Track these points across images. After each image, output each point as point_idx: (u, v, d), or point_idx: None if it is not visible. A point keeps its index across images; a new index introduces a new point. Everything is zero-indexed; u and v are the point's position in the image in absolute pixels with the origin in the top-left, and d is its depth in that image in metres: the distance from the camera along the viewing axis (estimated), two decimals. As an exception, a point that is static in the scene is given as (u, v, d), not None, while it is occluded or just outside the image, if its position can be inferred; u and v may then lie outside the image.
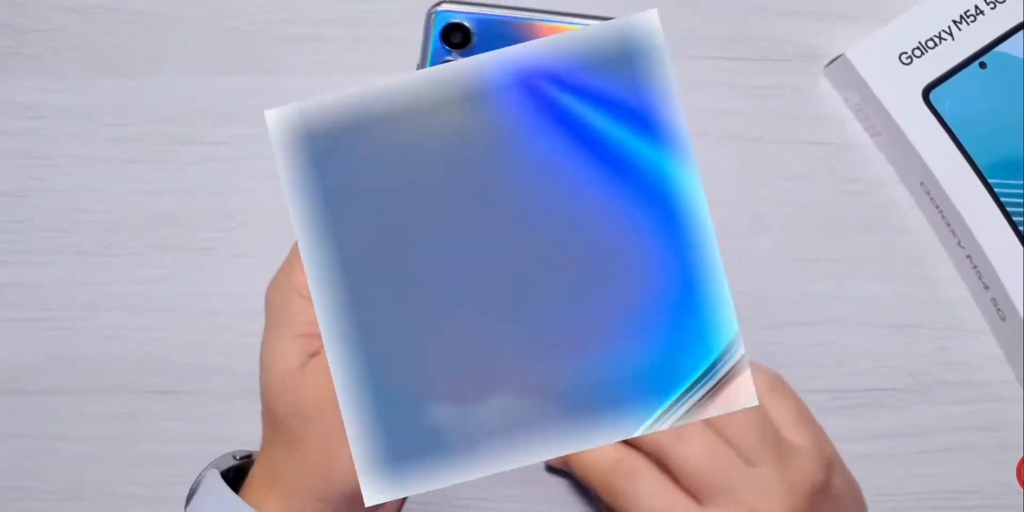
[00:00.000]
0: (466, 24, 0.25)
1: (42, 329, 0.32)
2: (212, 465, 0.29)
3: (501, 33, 0.25)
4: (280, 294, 0.27)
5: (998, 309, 0.32)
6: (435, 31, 0.25)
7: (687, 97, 0.32)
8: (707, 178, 0.32)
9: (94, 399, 0.32)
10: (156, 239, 0.32)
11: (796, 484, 0.25)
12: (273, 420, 0.27)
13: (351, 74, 0.33)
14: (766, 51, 0.33)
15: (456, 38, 0.25)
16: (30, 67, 0.33)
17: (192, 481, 0.29)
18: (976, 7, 0.32)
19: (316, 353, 0.26)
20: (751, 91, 0.33)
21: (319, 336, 0.24)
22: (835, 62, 0.33)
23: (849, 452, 0.32)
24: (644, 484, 0.24)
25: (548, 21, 0.25)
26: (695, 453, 0.24)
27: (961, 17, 0.32)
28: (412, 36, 0.33)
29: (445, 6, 0.25)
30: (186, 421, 0.31)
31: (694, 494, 0.24)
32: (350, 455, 0.23)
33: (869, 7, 0.34)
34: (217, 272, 0.32)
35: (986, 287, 0.32)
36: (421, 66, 0.26)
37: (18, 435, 0.32)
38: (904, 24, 0.32)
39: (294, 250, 0.27)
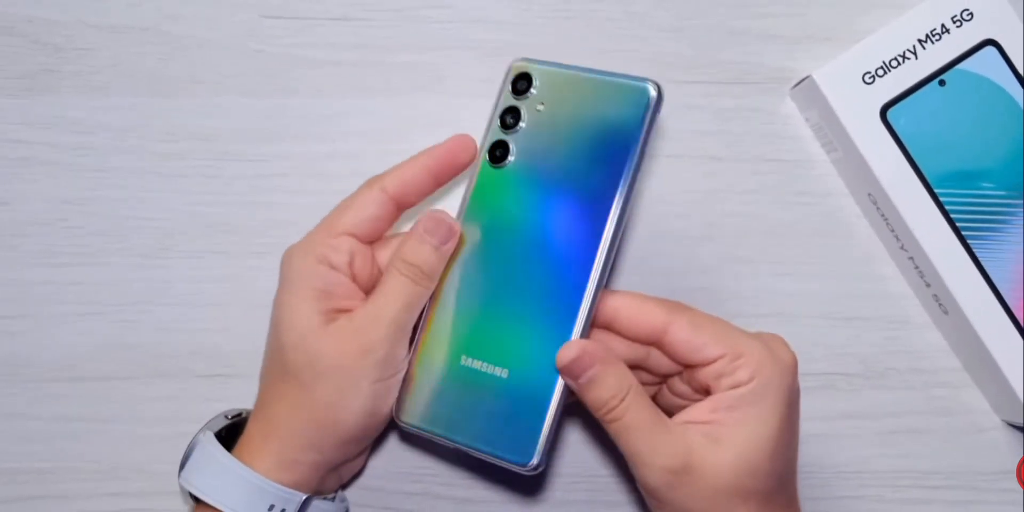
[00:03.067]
0: (530, 74, 0.30)
1: (100, 322, 0.36)
2: (206, 427, 0.31)
3: (555, 83, 0.30)
4: (300, 259, 0.30)
5: (940, 304, 0.36)
6: (507, 81, 0.30)
7: (669, 120, 0.36)
8: (669, 195, 0.37)
9: (144, 384, 0.35)
10: (213, 245, 0.36)
11: (784, 352, 0.29)
12: (282, 372, 0.29)
13: (366, 97, 0.36)
14: (739, 74, 0.37)
15: (521, 85, 0.30)
16: (72, 84, 0.36)
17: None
18: (942, 25, 0.35)
19: (331, 312, 0.29)
20: (722, 113, 0.37)
21: (334, 296, 0.29)
22: (802, 83, 0.36)
23: (810, 431, 0.36)
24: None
25: (595, 77, 0.29)
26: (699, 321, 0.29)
27: (927, 36, 0.35)
28: (421, 62, 0.37)
29: (524, 60, 0.30)
30: (227, 401, 0.35)
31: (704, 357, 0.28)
32: (353, 407, 0.29)
33: (841, 28, 0.37)
34: (272, 272, 0.34)
35: (928, 285, 0.36)
36: (494, 107, 0.31)
37: (69, 418, 0.35)
38: (871, 44, 0.35)
39: (319, 226, 0.31)
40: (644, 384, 0.30)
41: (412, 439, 0.36)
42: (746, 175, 0.37)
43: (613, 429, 0.28)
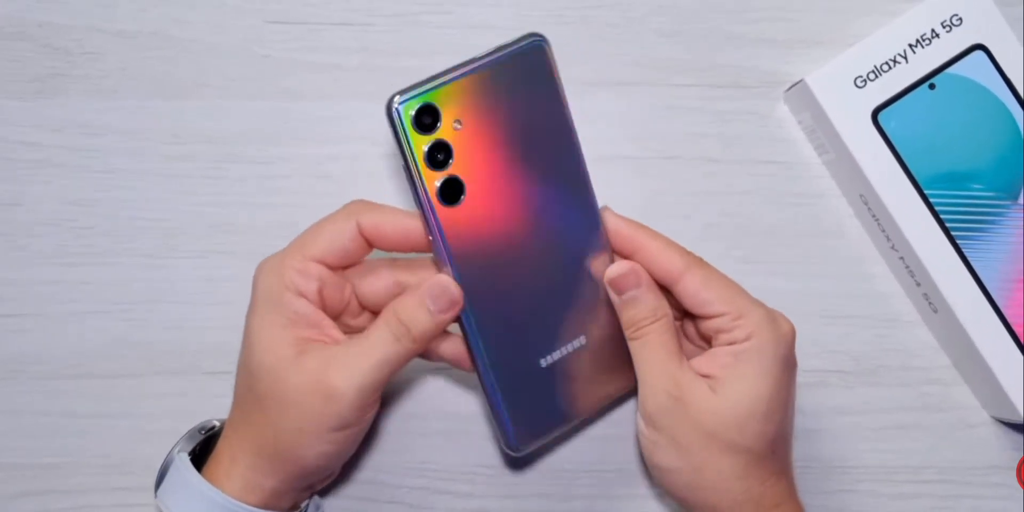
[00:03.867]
0: (429, 104, 0.26)
1: (108, 320, 0.36)
2: (181, 445, 0.31)
3: (455, 97, 0.27)
4: (270, 281, 0.29)
5: (930, 303, 0.37)
6: (406, 123, 0.26)
7: (667, 122, 0.37)
8: (667, 196, 0.37)
9: (150, 381, 0.36)
10: (217, 245, 0.36)
11: (784, 322, 0.31)
12: (252, 396, 0.29)
13: (369, 101, 0.37)
14: (734, 78, 0.38)
15: (427, 120, 0.27)
16: (81, 88, 0.37)
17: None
18: (932, 30, 0.36)
19: (302, 341, 0.29)
20: (718, 115, 0.37)
21: (301, 324, 0.29)
22: (795, 87, 0.37)
23: (804, 426, 0.37)
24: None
25: (479, 64, 0.27)
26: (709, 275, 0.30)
27: (917, 41, 0.36)
28: (422, 67, 0.37)
29: (403, 95, 0.26)
30: (231, 397, 0.36)
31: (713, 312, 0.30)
32: (314, 447, 0.29)
33: (833, 33, 0.37)
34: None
35: (918, 284, 0.37)
36: (404, 159, 0.27)
37: (77, 414, 0.36)
38: (862, 49, 0.36)
39: (292, 245, 0.30)
40: None
41: (414, 435, 0.37)
42: (742, 176, 0.37)
43: (636, 346, 0.30)
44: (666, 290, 0.31)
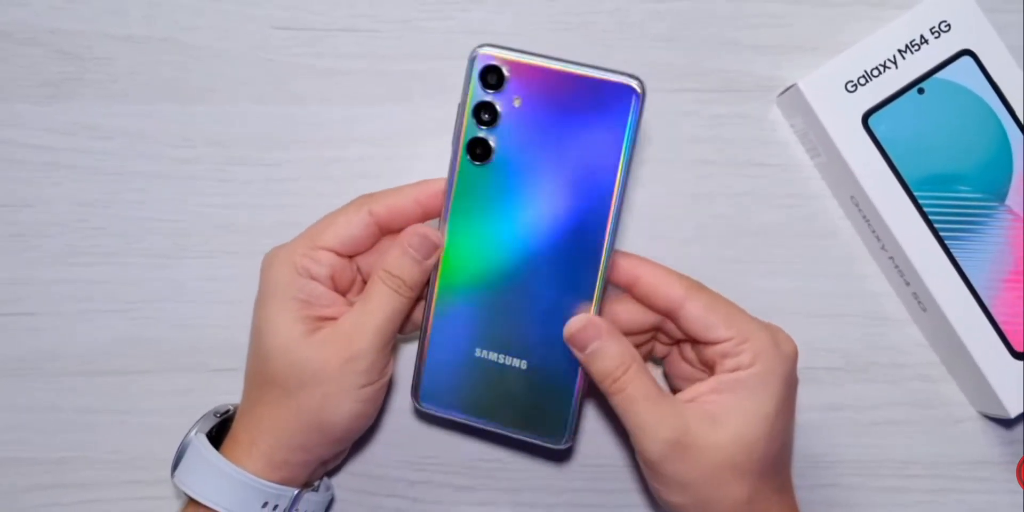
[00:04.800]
0: (501, 68, 0.29)
1: (117, 319, 0.37)
2: (198, 427, 0.32)
3: (531, 78, 0.29)
4: (279, 268, 0.30)
5: (919, 302, 0.37)
6: (475, 73, 0.29)
7: (662, 126, 0.38)
8: (662, 197, 0.38)
9: (160, 377, 0.37)
10: (224, 245, 0.37)
11: (787, 342, 0.30)
12: (265, 379, 0.30)
13: (372, 105, 0.38)
14: (728, 82, 0.38)
15: (492, 79, 0.29)
16: (93, 92, 0.38)
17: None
18: (921, 36, 0.37)
19: (313, 320, 0.30)
20: (713, 119, 0.38)
21: (315, 305, 0.30)
22: (788, 91, 0.38)
23: (796, 422, 0.38)
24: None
25: (572, 69, 0.29)
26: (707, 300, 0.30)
27: (907, 46, 0.36)
28: (425, 71, 0.38)
29: (485, 49, 0.29)
30: (239, 394, 0.35)
31: (712, 335, 0.29)
32: (341, 411, 0.30)
33: (825, 39, 0.38)
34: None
35: (907, 283, 0.37)
36: (462, 104, 0.29)
37: (89, 410, 0.37)
38: (853, 55, 0.36)
39: (302, 236, 0.31)
40: (660, 344, 0.32)
41: (415, 429, 0.37)
42: (735, 178, 0.38)
43: (618, 400, 0.29)
44: (665, 319, 0.31)
